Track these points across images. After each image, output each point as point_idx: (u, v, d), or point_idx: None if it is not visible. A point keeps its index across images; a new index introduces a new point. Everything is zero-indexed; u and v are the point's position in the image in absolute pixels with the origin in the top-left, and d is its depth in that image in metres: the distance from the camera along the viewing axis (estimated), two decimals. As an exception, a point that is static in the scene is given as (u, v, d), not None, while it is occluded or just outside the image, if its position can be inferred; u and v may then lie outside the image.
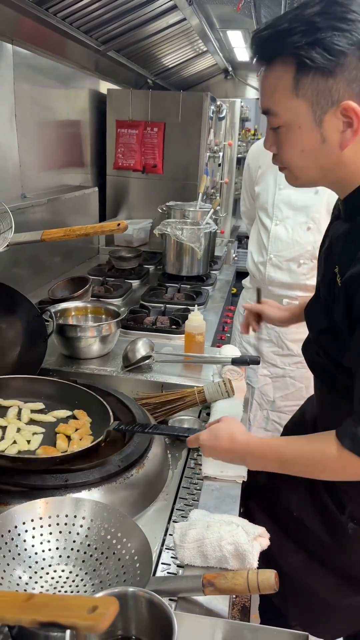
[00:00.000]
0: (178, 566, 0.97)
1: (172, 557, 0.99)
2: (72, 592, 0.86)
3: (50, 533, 0.91)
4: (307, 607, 1.22)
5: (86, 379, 1.51)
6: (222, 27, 3.29)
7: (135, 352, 1.62)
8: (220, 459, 1.10)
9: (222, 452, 1.07)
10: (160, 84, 3.84)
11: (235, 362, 1.57)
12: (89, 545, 0.91)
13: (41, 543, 0.90)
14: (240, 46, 3.80)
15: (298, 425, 1.43)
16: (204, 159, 3.12)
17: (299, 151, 0.92)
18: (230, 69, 4.78)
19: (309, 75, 0.85)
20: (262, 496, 1.26)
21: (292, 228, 2.15)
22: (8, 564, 0.86)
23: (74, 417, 1.27)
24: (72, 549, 0.91)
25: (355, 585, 1.17)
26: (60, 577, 0.88)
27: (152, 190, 3.21)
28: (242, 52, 4.01)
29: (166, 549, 1.01)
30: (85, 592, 0.86)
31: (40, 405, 1.29)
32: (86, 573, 0.89)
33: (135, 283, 2.56)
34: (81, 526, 0.92)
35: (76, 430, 1.20)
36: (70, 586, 0.87)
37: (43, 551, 0.90)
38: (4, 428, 1.19)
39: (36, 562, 0.89)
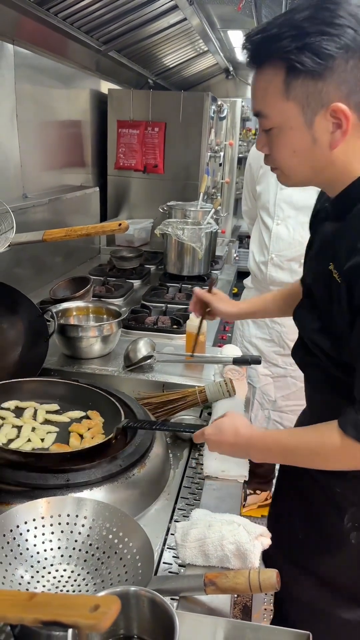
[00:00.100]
0: (180, 565, 0.97)
1: (173, 557, 0.99)
2: (74, 591, 0.86)
3: (52, 532, 0.91)
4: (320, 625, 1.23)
5: (87, 378, 1.51)
6: (223, 27, 3.29)
7: (136, 352, 1.62)
8: (225, 452, 1.11)
9: (226, 446, 1.08)
10: (161, 84, 3.84)
11: (237, 361, 1.57)
12: (90, 544, 0.91)
13: (43, 542, 0.90)
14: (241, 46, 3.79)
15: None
16: (205, 159, 3.12)
17: (290, 152, 0.95)
18: (231, 68, 4.78)
19: (299, 79, 0.87)
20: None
21: (293, 228, 2.15)
22: (10, 564, 0.86)
23: (87, 417, 1.29)
24: (73, 549, 0.91)
25: None
26: (62, 576, 0.88)
27: (153, 190, 3.21)
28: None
29: (168, 548, 1.01)
30: (87, 591, 0.86)
31: (55, 407, 1.32)
32: (88, 572, 0.89)
33: (136, 283, 2.56)
34: (83, 526, 0.92)
35: (89, 429, 1.23)
36: (72, 585, 0.87)
37: (45, 551, 0.90)
38: (20, 427, 1.22)
39: (38, 562, 0.89)
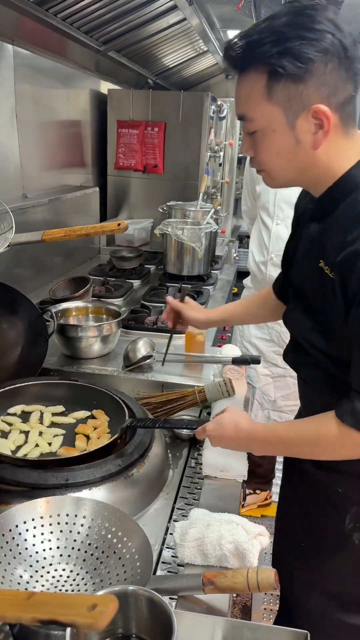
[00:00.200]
0: (178, 565, 0.97)
1: (172, 556, 0.99)
2: (72, 590, 0.86)
3: (51, 532, 0.92)
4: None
5: (87, 378, 1.52)
6: (223, 26, 3.28)
7: (136, 351, 1.62)
8: (228, 447, 1.12)
9: (228, 441, 1.10)
10: (161, 84, 3.84)
11: (236, 361, 1.57)
12: (89, 544, 0.91)
13: (42, 542, 0.91)
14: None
15: None
16: (204, 159, 3.12)
17: (274, 154, 0.97)
18: (231, 68, 4.76)
19: (281, 82, 0.90)
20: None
21: (293, 227, 2.15)
22: (9, 563, 0.86)
23: (92, 417, 1.30)
24: (72, 548, 0.91)
25: None
26: (61, 576, 0.89)
27: (153, 190, 3.21)
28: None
29: (166, 547, 1.02)
30: (86, 590, 0.86)
31: (60, 408, 1.33)
32: (87, 572, 0.89)
33: (136, 283, 2.56)
34: (82, 525, 0.93)
35: (94, 429, 1.24)
36: (71, 585, 0.87)
37: (44, 550, 0.90)
38: (27, 432, 1.23)
39: (37, 561, 0.89)
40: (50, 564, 0.90)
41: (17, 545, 0.89)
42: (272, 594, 2.13)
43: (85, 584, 0.87)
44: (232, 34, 3.46)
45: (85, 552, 0.91)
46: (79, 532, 0.92)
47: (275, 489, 2.21)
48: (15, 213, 1.53)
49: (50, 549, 0.91)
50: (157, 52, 3.17)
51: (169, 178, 3.16)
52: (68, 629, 0.66)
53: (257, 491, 2.67)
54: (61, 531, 0.92)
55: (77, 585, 0.87)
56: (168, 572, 0.97)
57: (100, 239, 3.18)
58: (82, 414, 1.30)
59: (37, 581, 0.87)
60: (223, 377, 1.50)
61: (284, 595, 1.42)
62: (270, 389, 2.41)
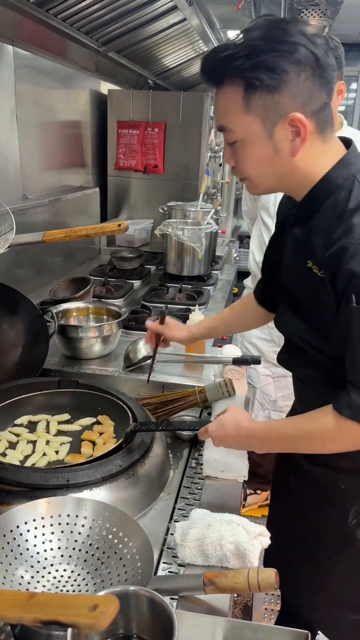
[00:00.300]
0: (179, 565, 0.97)
1: (173, 556, 0.99)
2: (74, 591, 0.86)
3: (52, 533, 0.92)
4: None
5: (87, 379, 1.52)
6: (223, 27, 3.28)
7: (136, 352, 1.62)
8: (230, 446, 1.14)
9: (230, 440, 1.11)
10: (161, 84, 3.84)
11: (236, 362, 1.57)
12: (90, 544, 0.91)
13: (43, 543, 0.91)
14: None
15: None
16: (204, 159, 3.12)
17: (255, 162, 1.01)
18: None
19: (257, 93, 0.93)
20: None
21: (293, 228, 2.15)
22: (10, 564, 0.86)
23: (98, 422, 1.31)
24: (73, 549, 0.91)
25: None
26: (62, 576, 0.89)
27: (153, 190, 3.21)
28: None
29: (167, 548, 1.02)
30: (87, 591, 0.86)
31: (66, 416, 1.34)
32: (88, 572, 0.89)
33: (136, 283, 2.56)
34: (83, 526, 0.93)
35: (100, 435, 1.25)
36: (72, 585, 0.88)
37: (45, 551, 0.90)
38: (35, 442, 1.24)
39: (38, 562, 0.89)
40: (52, 565, 0.90)
41: (18, 545, 0.89)
42: (273, 594, 2.13)
43: (87, 585, 0.87)
44: (232, 34, 3.46)
45: (86, 552, 0.91)
46: (79, 533, 0.92)
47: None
48: (16, 214, 1.53)
49: (52, 549, 0.91)
50: (157, 53, 3.17)
51: (169, 178, 3.17)
52: (69, 630, 0.67)
53: (258, 491, 2.67)
54: (62, 532, 0.92)
55: (78, 585, 0.88)
56: (169, 572, 0.97)
57: (100, 239, 3.18)
58: (87, 420, 1.31)
59: (38, 582, 0.87)
60: (223, 377, 1.50)
61: (285, 596, 1.43)
62: (271, 389, 2.41)
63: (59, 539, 0.92)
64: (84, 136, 3.01)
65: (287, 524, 1.31)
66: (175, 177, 3.16)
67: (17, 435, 1.26)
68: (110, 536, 0.91)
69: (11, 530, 0.89)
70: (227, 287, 2.74)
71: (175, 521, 1.08)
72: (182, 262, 2.58)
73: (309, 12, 2.66)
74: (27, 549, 0.89)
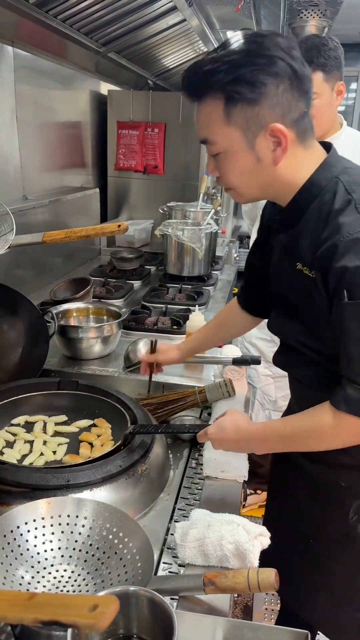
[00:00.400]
0: (179, 565, 0.97)
1: (173, 557, 0.99)
2: (74, 591, 0.87)
3: (52, 533, 0.92)
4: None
5: (87, 379, 1.52)
6: (222, 27, 3.28)
7: (136, 352, 1.62)
8: (230, 449, 1.14)
9: (229, 443, 1.11)
10: (161, 85, 3.84)
11: (236, 362, 1.57)
12: (90, 545, 0.91)
13: (43, 543, 0.91)
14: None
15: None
16: (204, 159, 3.12)
17: (238, 173, 1.03)
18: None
19: (237, 106, 0.95)
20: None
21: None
22: (10, 564, 0.86)
23: (95, 425, 1.31)
24: (74, 549, 0.91)
25: None
26: (62, 576, 0.89)
27: (153, 190, 3.21)
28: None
29: (167, 548, 1.02)
30: (87, 591, 0.86)
31: (63, 418, 1.34)
32: (88, 573, 0.89)
33: (136, 284, 2.56)
34: (83, 526, 0.93)
35: (98, 436, 1.25)
36: (72, 586, 0.88)
37: (45, 551, 0.91)
38: (32, 442, 1.24)
39: (38, 562, 0.89)
40: (52, 565, 0.90)
41: (19, 546, 0.89)
42: (273, 594, 2.13)
43: (87, 585, 0.88)
44: (231, 34, 3.46)
45: (87, 552, 0.91)
46: (80, 533, 0.92)
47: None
48: (16, 214, 1.53)
49: (52, 549, 0.91)
50: (157, 53, 3.18)
51: (169, 179, 3.17)
52: (69, 630, 0.67)
53: (258, 491, 2.67)
54: (62, 532, 0.92)
55: (79, 585, 0.88)
56: (169, 572, 0.97)
57: (100, 240, 3.19)
58: (84, 422, 1.31)
59: (38, 582, 0.87)
60: (223, 377, 1.50)
61: (285, 596, 1.43)
62: (271, 389, 2.41)
63: (59, 540, 0.92)
64: (84, 137, 3.01)
65: (285, 524, 1.31)
66: (175, 178, 3.16)
67: (14, 434, 1.26)
68: (110, 536, 0.91)
69: (11, 531, 0.89)
70: (227, 287, 2.74)
71: (175, 521, 1.08)
72: (182, 263, 2.58)
73: (309, 12, 2.66)
74: (28, 550, 0.89)
